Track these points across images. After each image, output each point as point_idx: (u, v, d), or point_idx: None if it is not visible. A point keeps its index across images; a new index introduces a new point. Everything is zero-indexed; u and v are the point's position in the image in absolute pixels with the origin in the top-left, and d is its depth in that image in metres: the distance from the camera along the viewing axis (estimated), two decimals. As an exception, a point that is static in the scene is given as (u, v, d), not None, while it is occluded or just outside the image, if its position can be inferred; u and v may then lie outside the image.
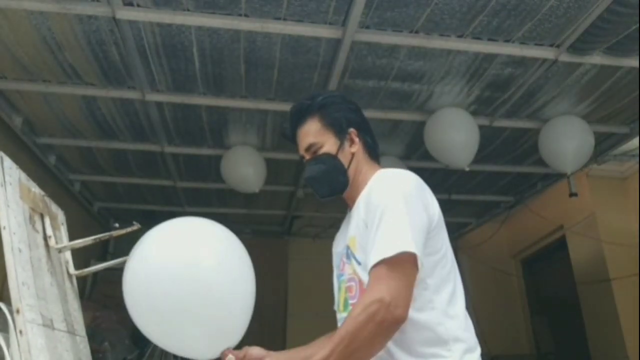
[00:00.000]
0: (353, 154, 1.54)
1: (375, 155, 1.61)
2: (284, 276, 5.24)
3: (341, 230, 1.64)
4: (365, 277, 1.36)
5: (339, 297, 1.52)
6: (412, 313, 1.34)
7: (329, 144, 1.53)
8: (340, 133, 1.54)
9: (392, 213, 1.33)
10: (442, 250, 1.41)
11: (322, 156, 1.53)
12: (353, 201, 1.54)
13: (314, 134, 1.54)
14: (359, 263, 1.40)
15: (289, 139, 1.62)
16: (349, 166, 1.53)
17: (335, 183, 1.53)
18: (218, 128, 3.37)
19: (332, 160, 1.52)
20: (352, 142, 1.55)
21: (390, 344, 1.34)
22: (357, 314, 1.25)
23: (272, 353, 1.50)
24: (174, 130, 3.39)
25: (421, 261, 1.30)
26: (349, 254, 1.46)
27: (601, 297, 4.12)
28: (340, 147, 1.53)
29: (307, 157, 1.56)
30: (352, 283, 1.44)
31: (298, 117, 1.58)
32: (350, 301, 1.43)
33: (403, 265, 1.28)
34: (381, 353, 1.34)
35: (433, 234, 1.39)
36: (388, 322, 1.23)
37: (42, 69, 2.72)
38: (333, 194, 1.56)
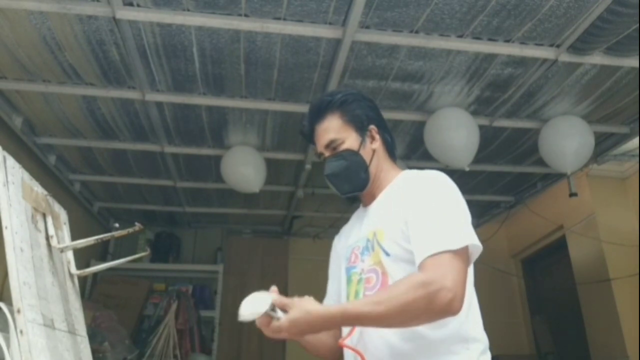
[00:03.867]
0: (374, 151, 1.54)
1: (394, 154, 1.61)
2: (284, 276, 5.23)
3: (352, 224, 1.63)
4: (392, 269, 1.36)
5: (347, 289, 1.50)
6: None
7: (350, 140, 1.51)
8: (361, 129, 1.53)
9: (450, 207, 1.35)
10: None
11: (343, 152, 1.51)
12: (372, 197, 1.54)
13: (335, 130, 1.52)
14: (388, 254, 1.39)
15: (306, 136, 1.60)
16: (370, 162, 1.52)
17: (356, 179, 1.51)
18: (218, 128, 3.37)
19: (354, 156, 1.50)
20: (372, 138, 1.55)
21: (419, 339, 1.33)
22: (413, 285, 1.22)
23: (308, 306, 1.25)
24: (174, 130, 3.39)
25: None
26: (371, 246, 1.44)
27: (601, 297, 4.12)
28: (362, 143, 1.52)
29: (327, 154, 1.54)
30: (372, 274, 1.42)
31: (317, 114, 1.56)
32: (367, 292, 1.41)
33: (464, 258, 1.28)
34: (405, 348, 1.34)
35: None
36: (442, 306, 1.20)
37: (42, 69, 2.72)
38: (354, 190, 1.53)
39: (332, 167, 1.52)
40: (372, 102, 1.63)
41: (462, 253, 1.28)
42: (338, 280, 1.59)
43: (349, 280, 1.50)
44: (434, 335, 1.33)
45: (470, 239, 1.30)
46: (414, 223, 1.35)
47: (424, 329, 1.32)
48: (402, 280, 1.28)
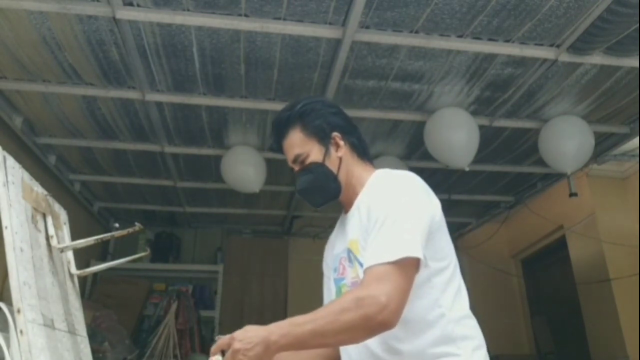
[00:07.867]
0: (340, 158, 1.52)
1: (365, 155, 1.59)
2: (284, 276, 5.23)
3: (336, 232, 1.62)
4: None
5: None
6: (422, 313, 1.33)
7: (315, 153, 1.51)
8: (323, 139, 1.52)
9: (397, 215, 1.31)
10: (445, 249, 1.40)
11: (309, 166, 1.51)
12: (350, 203, 1.53)
13: (298, 145, 1.52)
14: (362, 266, 1.37)
15: (278, 152, 1.61)
16: (338, 171, 1.51)
17: (327, 191, 1.51)
18: (218, 128, 3.37)
19: (320, 168, 1.50)
20: (337, 146, 1.53)
21: (401, 346, 1.32)
22: (348, 303, 1.21)
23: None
24: (174, 130, 3.39)
25: (425, 263, 1.29)
26: (352, 258, 1.44)
27: (601, 297, 4.12)
28: (326, 153, 1.51)
29: (296, 168, 1.54)
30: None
31: (280, 131, 1.56)
32: None
33: (404, 270, 1.25)
34: (389, 358, 1.33)
35: (435, 234, 1.37)
36: (377, 323, 1.19)
37: (42, 69, 2.72)
38: (326, 201, 1.54)
39: (302, 183, 1.52)
40: (335, 107, 1.61)
41: (403, 264, 1.24)
42: (329, 291, 1.57)
43: (339, 292, 1.49)
44: (418, 341, 1.31)
45: (408, 250, 1.25)
46: (367, 236, 1.35)
47: (407, 336, 1.31)
48: (338, 299, 1.27)
